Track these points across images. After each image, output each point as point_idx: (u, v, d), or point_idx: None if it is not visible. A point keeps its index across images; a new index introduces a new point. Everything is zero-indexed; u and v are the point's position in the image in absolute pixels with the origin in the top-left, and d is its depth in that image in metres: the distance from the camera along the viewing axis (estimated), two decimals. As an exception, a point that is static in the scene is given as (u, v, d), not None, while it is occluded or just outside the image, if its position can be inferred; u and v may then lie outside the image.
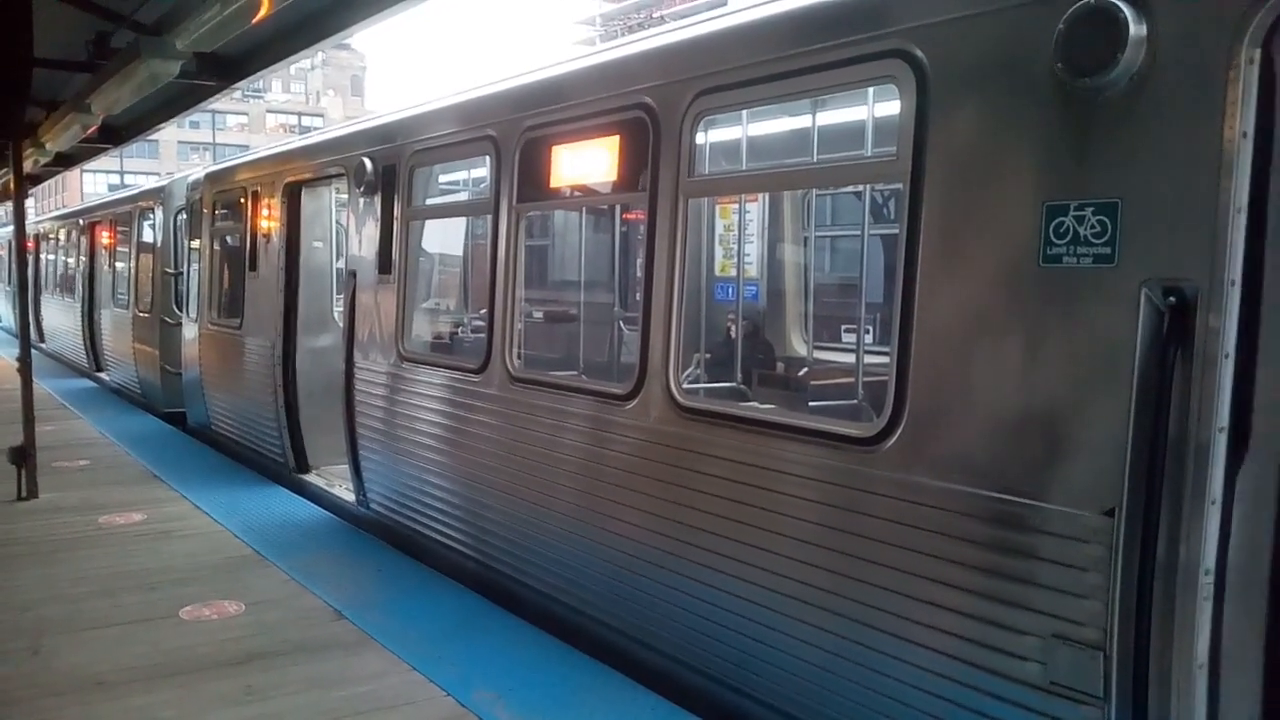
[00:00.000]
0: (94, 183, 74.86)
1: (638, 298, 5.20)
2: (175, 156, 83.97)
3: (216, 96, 11.39)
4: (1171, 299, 2.89)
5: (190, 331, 11.87)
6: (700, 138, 4.85)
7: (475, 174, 8.53)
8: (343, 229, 8.46)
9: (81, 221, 19.11)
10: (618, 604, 5.11)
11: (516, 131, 5.88)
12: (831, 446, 3.98)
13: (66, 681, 4.81)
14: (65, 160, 16.86)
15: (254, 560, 6.76)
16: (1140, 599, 2.93)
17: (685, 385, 5.06)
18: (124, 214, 16.07)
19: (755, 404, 5.83)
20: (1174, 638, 2.92)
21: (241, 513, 7.99)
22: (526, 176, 5.87)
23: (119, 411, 13.81)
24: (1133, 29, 2.95)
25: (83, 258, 18.42)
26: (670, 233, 4.77)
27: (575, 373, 6.88)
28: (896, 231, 3.82)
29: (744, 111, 5.53)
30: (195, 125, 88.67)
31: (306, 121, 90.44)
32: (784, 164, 6.26)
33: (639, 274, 5.32)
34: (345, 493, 8.26)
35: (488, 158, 6.26)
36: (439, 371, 6.82)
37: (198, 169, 13.15)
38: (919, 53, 3.64)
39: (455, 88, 7.24)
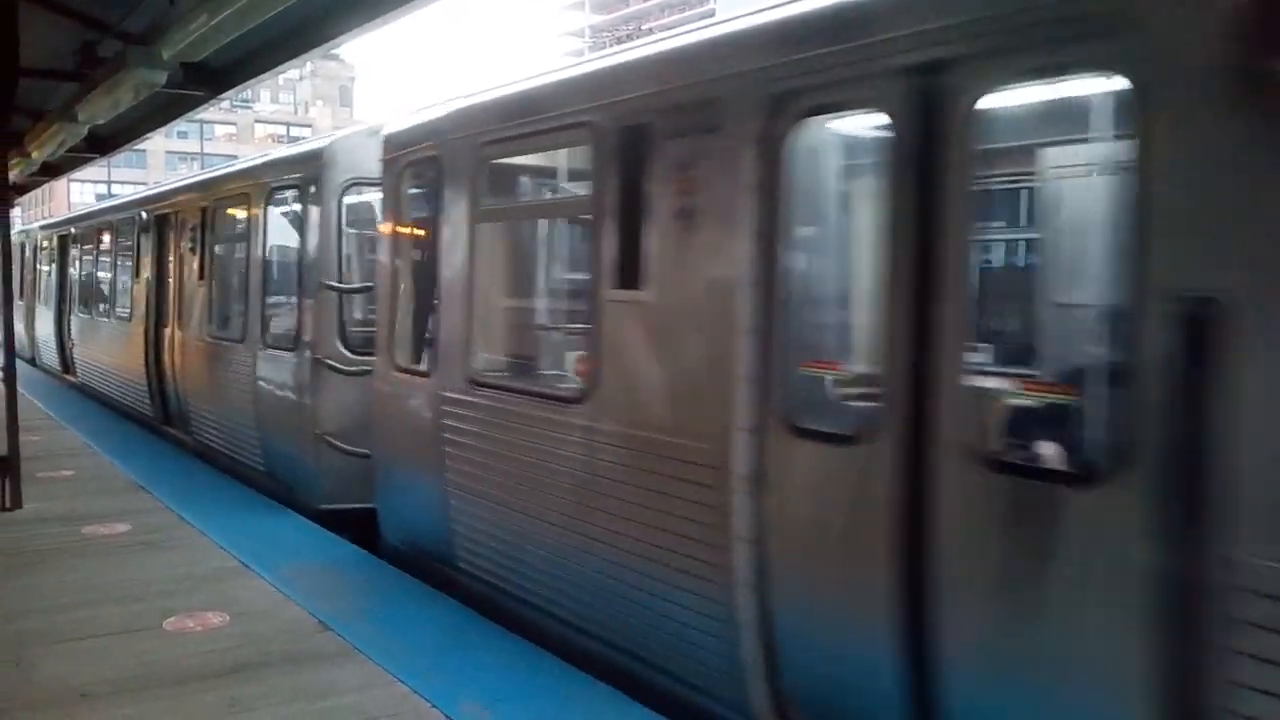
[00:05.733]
0: (81, 192, 74.68)
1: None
2: (163, 166, 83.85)
3: (204, 106, 11.40)
4: None
5: (389, 385, 7.04)
6: None
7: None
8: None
9: (144, 215, 13.19)
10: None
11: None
12: None
13: (48, 694, 4.76)
14: (51, 170, 16.81)
15: (239, 571, 6.71)
16: None
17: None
18: (233, 196, 10.42)
19: None
20: None
21: (226, 524, 7.92)
22: None
23: (110, 423, 13.68)
24: None
25: (127, 262, 13.65)
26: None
27: None
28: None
29: None
30: (183, 135, 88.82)
31: (295, 132, 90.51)
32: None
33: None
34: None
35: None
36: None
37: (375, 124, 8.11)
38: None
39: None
